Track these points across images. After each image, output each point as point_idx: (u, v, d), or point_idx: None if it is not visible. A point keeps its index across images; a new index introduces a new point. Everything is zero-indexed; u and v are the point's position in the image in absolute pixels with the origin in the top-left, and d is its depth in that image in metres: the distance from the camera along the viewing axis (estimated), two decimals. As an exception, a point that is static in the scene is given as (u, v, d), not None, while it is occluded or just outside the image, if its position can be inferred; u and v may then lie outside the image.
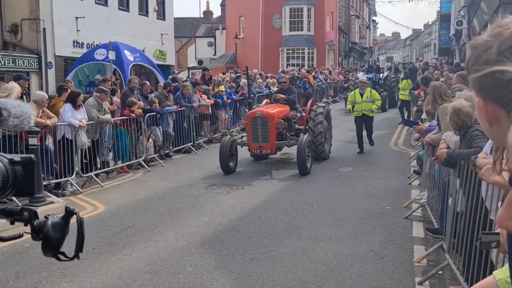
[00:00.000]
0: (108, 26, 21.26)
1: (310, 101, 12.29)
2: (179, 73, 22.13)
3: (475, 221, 4.21)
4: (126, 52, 18.12)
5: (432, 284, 4.96)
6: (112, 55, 16.51)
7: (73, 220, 1.44)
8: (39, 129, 7.96)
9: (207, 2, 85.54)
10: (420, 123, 7.80)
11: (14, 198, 6.14)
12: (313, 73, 25.83)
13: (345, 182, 9.59)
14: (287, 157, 12.02)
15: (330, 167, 11.05)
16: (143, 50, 21.69)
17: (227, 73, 22.19)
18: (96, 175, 9.84)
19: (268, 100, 12.41)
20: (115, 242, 6.31)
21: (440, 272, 5.09)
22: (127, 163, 10.99)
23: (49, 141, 9.23)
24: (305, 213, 7.47)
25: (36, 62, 18.38)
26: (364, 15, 57.03)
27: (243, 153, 11.10)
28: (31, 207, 1.48)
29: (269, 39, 35.80)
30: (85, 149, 9.35)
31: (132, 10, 23.95)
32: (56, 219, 1.44)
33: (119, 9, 22.98)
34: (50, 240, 1.41)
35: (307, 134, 10.96)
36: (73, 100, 9.26)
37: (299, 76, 23.39)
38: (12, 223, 1.48)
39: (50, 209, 7.21)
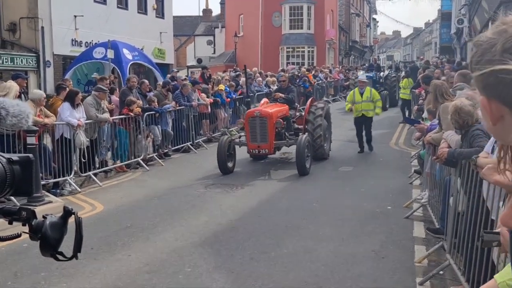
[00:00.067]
0: (107, 24, 21.22)
1: (309, 100, 12.17)
2: (178, 71, 22.08)
3: (476, 221, 4.19)
4: (125, 51, 18.08)
5: (433, 284, 4.94)
6: (110, 54, 16.47)
7: (72, 219, 1.42)
8: (37, 128, 7.93)
9: (206, 0, 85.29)
10: (421, 122, 7.77)
11: (12, 197, 6.10)
12: (313, 72, 25.81)
13: (346, 182, 9.57)
14: (286, 157, 11.97)
15: (330, 167, 11.03)
16: (142, 49, 21.64)
17: (226, 72, 22.18)
18: (95, 174, 9.81)
19: (267, 99, 12.29)
20: (113, 242, 6.28)
21: (441, 272, 5.07)
22: (125, 162, 10.96)
23: (48, 140, 9.20)
24: (305, 213, 7.44)
25: (35, 60, 18.34)
26: (365, 14, 57.02)
27: (242, 153, 11.02)
28: (29, 207, 1.47)
29: (269, 37, 35.76)
30: (84, 148, 9.32)
31: (131, 9, 23.92)
32: (54, 218, 1.44)
33: (117, 7, 22.95)
34: (48, 240, 1.41)
35: (306, 133, 10.83)
36: (71, 99, 9.22)
37: (299, 74, 23.38)
38: (10, 222, 1.47)
39: (48, 208, 7.17)
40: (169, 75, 18.11)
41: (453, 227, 5.03)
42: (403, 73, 22.81)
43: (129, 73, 16.56)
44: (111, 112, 10.83)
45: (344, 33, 46.24)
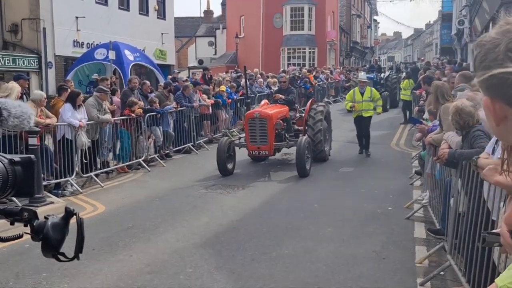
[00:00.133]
0: (108, 25, 21.25)
1: (310, 101, 12.11)
2: (179, 72, 22.14)
3: (477, 221, 4.19)
4: (126, 52, 18.11)
5: (434, 285, 4.95)
6: (112, 55, 16.50)
7: (73, 220, 1.43)
8: (39, 129, 7.94)
9: (208, 2, 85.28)
10: (424, 122, 7.76)
11: (14, 198, 6.12)
12: (314, 73, 25.80)
13: (346, 183, 9.57)
14: (286, 158, 11.94)
15: (331, 168, 11.03)
16: (143, 50, 21.69)
17: (228, 73, 22.18)
18: (96, 175, 9.83)
19: (267, 101, 12.23)
20: (115, 242, 6.29)
21: (442, 273, 5.07)
22: (127, 163, 10.98)
23: (49, 141, 9.22)
24: (306, 214, 7.45)
25: (36, 62, 18.37)
26: (366, 15, 56.99)
27: (242, 154, 10.99)
28: (31, 208, 1.47)
29: (270, 38, 35.77)
30: (85, 149, 9.34)
31: (132, 10, 23.94)
32: (56, 219, 1.44)
33: (119, 8, 22.97)
34: (50, 240, 1.41)
35: (306, 135, 10.78)
36: (73, 100, 9.24)
37: (300, 76, 23.37)
38: (12, 223, 1.48)
39: (50, 209, 7.19)
40: (169, 76, 18.13)
41: (454, 228, 5.04)
42: (403, 74, 22.79)
43: (131, 74, 16.59)
44: (113, 113, 10.85)
45: (345, 34, 46.23)
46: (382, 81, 24.35)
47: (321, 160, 11.27)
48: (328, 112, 12.16)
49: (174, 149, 12.83)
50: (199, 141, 13.89)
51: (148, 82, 12.93)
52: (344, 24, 45.64)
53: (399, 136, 15.57)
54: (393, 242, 6.17)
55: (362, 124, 12.04)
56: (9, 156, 1.47)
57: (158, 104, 11.99)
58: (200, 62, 35.26)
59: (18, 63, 17.65)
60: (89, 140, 9.47)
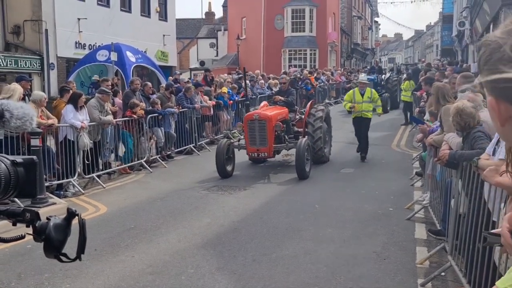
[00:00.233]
0: (110, 27, 21.30)
1: (310, 103, 12.03)
2: (181, 74, 22.15)
3: (478, 222, 4.20)
4: (128, 53, 18.16)
5: (434, 285, 4.95)
6: (114, 56, 16.54)
7: (75, 221, 1.43)
8: (41, 130, 7.97)
9: (209, 3, 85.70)
10: (426, 123, 7.76)
11: (16, 199, 6.14)
12: (315, 74, 25.81)
13: (347, 184, 9.58)
14: (286, 160, 11.91)
15: (331, 169, 11.03)
16: (145, 51, 21.73)
17: (229, 74, 22.19)
18: (98, 176, 9.85)
19: (267, 102, 12.15)
20: (117, 243, 6.31)
21: (442, 273, 5.08)
22: (129, 164, 11.00)
23: (51, 142, 9.24)
24: (307, 215, 7.46)
25: (38, 63, 18.42)
26: (366, 16, 57.00)
27: (242, 156, 10.95)
28: (33, 208, 1.48)
29: (271, 40, 35.79)
30: (87, 150, 9.36)
31: (134, 11, 23.99)
32: (58, 220, 1.44)
33: (121, 10, 23.02)
34: (52, 241, 1.41)
35: (306, 137, 10.71)
36: (75, 101, 9.26)
37: (301, 77, 23.38)
38: (14, 224, 1.48)
39: (52, 210, 7.21)
40: (170, 78, 18.16)
41: (455, 229, 5.04)
42: (404, 76, 22.80)
43: (132, 76, 16.64)
44: (115, 114, 10.87)
45: (346, 36, 46.23)
46: (382, 82, 24.36)
47: (321, 162, 11.21)
48: (328, 113, 12.09)
49: (176, 150, 12.86)
50: (200, 142, 13.92)
51: (149, 84, 12.96)
52: (345, 26, 45.65)
53: (399, 137, 15.57)
54: (393, 243, 6.17)
55: (362, 125, 11.84)
56: (11, 157, 1.47)
57: (160, 106, 12.02)
58: (202, 63, 35.30)
59: (20, 65, 17.70)
60: (91, 141, 9.49)
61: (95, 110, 9.83)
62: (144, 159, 11.28)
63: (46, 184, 8.21)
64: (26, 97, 9.88)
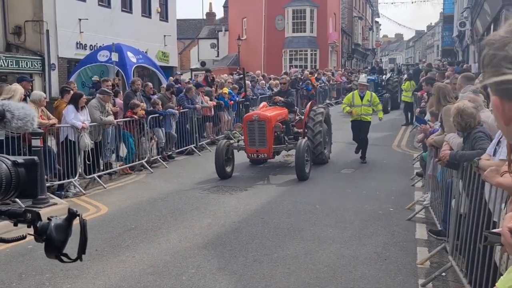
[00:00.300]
0: (111, 27, 21.31)
1: (309, 103, 11.96)
2: (182, 74, 22.17)
3: (478, 223, 4.20)
4: (129, 54, 18.17)
5: (435, 286, 4.95)
6: (115, 57, 16.55)
7: (76, 221, 1.44)
8: (42, 131, 7.97)
9: (210, 4, 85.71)
10: (429, 123, 7.76)
11: (17, 199, 6.15)
12: (316, 75, 25.83)
13: (348, 184, 9.57)
14: (286, 160, 11.88)
15: (332, 169, 11.03)
16: (146, 52, 21.74)
17: (231, 74, 22.20)
18: (99, 176, 9.85)
19: (266, 103, 12.08)
20: (118, 243, 6.32)
21: (443, 274, 5.08)
22: (130, 164, 11.01)
23: (52, 143, 9.25)
24: (307, 215, 7.46)
25: (39, 63, 18.44)
26: (367, 17, 57.01)
27: (242, 157, 10.91)
28: (34, 209, 1.48)
29: (272, 40, 35.81)
30: (88, 150, 9.37)
31: (135, 12, 24.01)
32: (59, 220, 1.44)
33: (122, 10, 23.04)
34: (53, 241, 1.42)
35: (306, 138, 10.66)
36: (75, 101, 9.27)
37: (302, 77, 23.39)
38: (15, 224, 1.48)
39: (53, 210, 7.22)
40: (171, 78, 18.17)
41: (455, 229, 5.04)
42: (405, 76, 22.81)
43: (133, 76, 16.65)
44: (115, 115, 10.88)
45: (346, 36, 46.24)
46: (383, 83, 24.36)
47: (321, 163, 11.15)
48: (328, 114, 12.00)
49: (177, 150, 12.86)
50: (201, 143, 13.93)
51: (150, 84, 12.97)
52: (345, 26, 45.66)
53: (400, 138, 15.57)
54: (394, 243, 6.17)
55: (361, 129, 11.58)
56: (12, 158, 1.48)
57: (160, 106, 12.02)
58: (203, 64, 35.32)
59: (21, 65, 17.72)
60: (92, 142, 9.50)
61: (96, 110, 9.84)
62: (145, 159, 11.29)
63: (47, 184, 8.22)
64: (27, 98, 9.91)
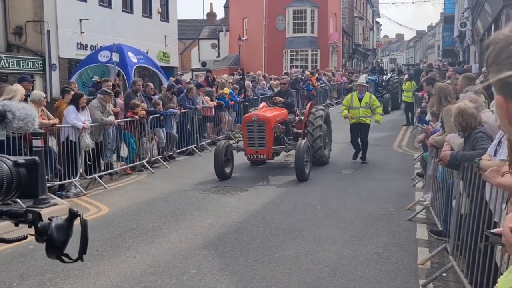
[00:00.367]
0: (112, 28, 21.34)
1: (309, 104, 11.88)
2: (183, 75, 22.19)
3: (479, 223, 4.20)
4: (130, 54, 18.18)
5: (436, 286, 4.95)
6: (116, 57, 16.57)
7: (77, 222, 1.44)
8: (43, 131, 7.98)
9: (211, 4, 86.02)
10: (431, 124, 7.76)
11: (18, 200, 6.15)
12: (316, 75, 25.84)
13: (348, 184, 9.57)
14: (286, 161, 11.87)
15: (332, 169, 11.03)
16: (146, 52, 21.76)
17: (233, 75, 22.20)
18: (100, 177, 9.86)
19: (266, 103, 12.01)
20: (118, 244, 6.32)
21: (444, 274, 5.08)
22: (130, 164, 11.02)
23: (53, 143, 9.26)
24: (308, 215, 7.46)
25: (40, 64, 18.46)
26: (368, 17, 57.01)
27: (242, 158, 10.85)
28: (35, 209, 1.48)
29: (273, 40, 35.82)
30: (89, 150, 9.37)
31: (135, 12, 24.04)
32: (60, 221, 1.44)
33: (123, 11, 23.07)
34: (54, 242, 1.42)
35: (305, 138, 10.60)
36: (76, 102, 9.28)
37: (303, 78, 23.39)
38: (16, 225, 1.48)
39: (54, 211, 7.23)
40: (172, 78, 18.19)
41: (456, 229, 5.04)
42: (406, 76, 22.80)
43: (134, 76, 16.66)
44: (116, 115, 10.89)
45: (347, 37, 46.24)
46: (384, 83, 24.35)
47: (321, 163, 11.10)
48: (328, 115, 11.92)
49: (177, 150, 12.87)
50: (202, 143, 13.93)
51: (151, 84, 12.99)
52: (346, 26, 45.67)
53: (401, 138, 15.57)
54: (395, 244, 6.17)
55: (361, 132, 11.41)
56: (13, 158, 1.48)
57: (161, 106, 12.03)
58: (203, 64, 35.35)
59: (22, 65, 17.75)
60: (93, 142, 9.51)
61: (97, 110, 9.84)
62: (146, 159, 11.30)
63: (48, 184, 8.23)
64: (28, 98, 9.92)
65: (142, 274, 5.31)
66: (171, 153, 12.58)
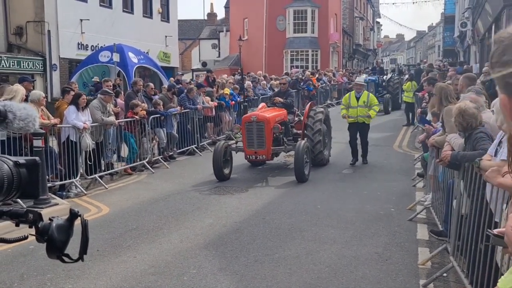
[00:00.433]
0: (113, 28, 21.35)
1: (308, 104, 11.77)
2: (183, 75, 22.22)
3: (480, 223, 4.20)
4: (130, 54, 18.20)
5: (436, 286, 4.95)
6: (116, 57, 16.59)
7: (78, 222, 1.44)
8: (44, 131, 7.98)
9: (211, 4, 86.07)
10: (433, 124, 7.76)
11: (18, 200, 6.16)
12: (317, 75, 25.84)
13: (349, 184, 9.57)
14: (286, 161, 11.85)
15: (333, 169, 11.02)
16: (147, 52, 21.77)
17: (234, 75, 22.21)
18: (100, 177, 9.86)
19: (265, 104, 11.95)
20: (119, 244, 6.32)
21: (444, 274, 5.07)
22: (131, 165, 11.02)
23: (54, 143, 9.26)
24: (309, 215, 7.46)
25: (41, 64, 18.47)
26: (368, 17, 57.00)
27: (241, 158, 10.81)
28: (35, 209, 1.48)
29: (273, 41, 35.82)
30: (90, 151, 9.38)
31: (136, 12, 24.05)
32: (60, 221, 1.45)
33: (123, 11, 23.08)
34: (55, 242, 1.42)
35: (305, 139, 10.53)
36: (76, 102, 9.29)
37: (303, 78, 23.40)
38: (17, 225, 1.49)
39: (55, 211, 7.23)
40: (173, 78, 18.20)
41: (457, 230, 5.04)
42: (406, 76, 22.81)
43: (135, 76, 16.66)
44: (117, 115, 10.89)
45: (347, 37, 46.23)
46: (384, 83, 24.34)
47: (321, 165, 11.05)
48: (328, 115, 11.85)
49: (178, 151, 12.87)
50: (202, 143, 13.94)
51: (152, 84, 13.00)
52: (347, 27, 45.66)
53: (401, 138, 15.56)
54: (395, 244, 6.17)
55: (360, 132, 11.33)
56: (14, 158, 1.48)
57: (162, 106, 12.04)
58: (204, 64, 35.35)
59: (23, 66, 17.76)
60: (93, 142, 9.51)
61: (98, 111, 9.85)
62: (146, 159, 11.30)
63: (49, 184, 8.23)
64: (29, 98, 9.92)
65: (143, 274, 5.31)
66: (172, 153, 12.58)
